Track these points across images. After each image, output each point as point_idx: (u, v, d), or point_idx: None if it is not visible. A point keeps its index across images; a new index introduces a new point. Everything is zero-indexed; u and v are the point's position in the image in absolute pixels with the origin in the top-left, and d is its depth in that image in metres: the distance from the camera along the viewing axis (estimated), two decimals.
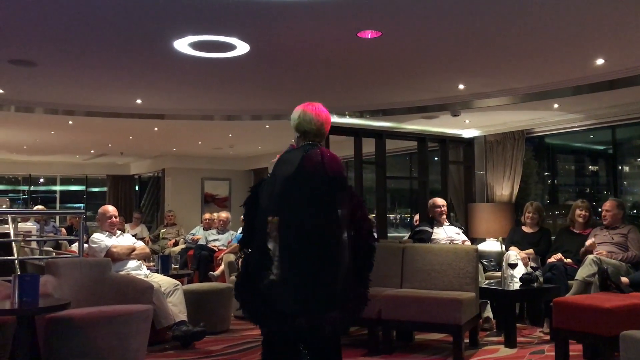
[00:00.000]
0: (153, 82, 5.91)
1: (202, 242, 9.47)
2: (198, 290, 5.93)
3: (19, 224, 8.82)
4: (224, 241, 9.38)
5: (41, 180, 15.88)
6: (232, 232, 9.73)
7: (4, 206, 11.47)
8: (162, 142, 11.22)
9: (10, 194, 15.49)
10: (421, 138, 7.68)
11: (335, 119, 7.09)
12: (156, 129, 9.13)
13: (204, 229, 10.18)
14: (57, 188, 15.50)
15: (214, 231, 9.76)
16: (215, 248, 9.17)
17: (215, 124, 8.37)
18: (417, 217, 7.73)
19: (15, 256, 6.50)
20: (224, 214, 9.96)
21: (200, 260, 8.83)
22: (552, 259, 5.80)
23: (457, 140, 8.38)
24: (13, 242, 6.94)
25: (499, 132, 8.06)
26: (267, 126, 8.88)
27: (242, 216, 3.20)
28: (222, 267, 7.91)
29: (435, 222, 6.40)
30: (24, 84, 5.87)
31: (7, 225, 8.30)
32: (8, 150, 12.39)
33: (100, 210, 5.91)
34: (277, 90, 6.23)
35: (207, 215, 10.53)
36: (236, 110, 7.37)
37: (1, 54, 4.82)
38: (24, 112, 7.16)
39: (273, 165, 3.20)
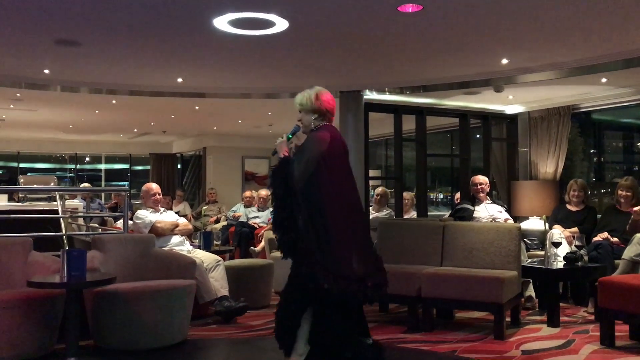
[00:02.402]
0: (193, 60, 5.95)
1: (242, 219, 9.58)
2: (239, 267, 6.02)
3: (67, 201, 9.10)
4: (264, 218, 9.47)
5: (87, 159, 16.31)
6: (271, 209, 9.78)
7: (52, 184, 11.84)
8: (203, 121, 11.35)
9: (57, 172, 15.97)
10: (463, 115, 7.55)
11: (374, 96, 7.04)
12: (197, 107, 9.23)
13: (244, 207, 10.29)
14: (102, 166, 15.91)
15: (254, 208, 9.86)
16: (255, 225, 9.27)
17: (255, 102, 8.40)
18: (458, 195, 7.64)
19: (64, 232, 6.71)
20: (264, 192, 10.03)
21: (241, 237, 8.94)
22: (598, 238, 5.66)
23: (500, 117, 8.20)
24: (61, 219, 7.16)
25: (544, 107, 7.85)
26: None
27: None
28: (262, 243, 8.00)
29: (476, 200, 6.31)
30: (69, 64, 5.99)
31: (55, 203, 8.58)
32: (55, 130, 12.74)
33: (144, 187, 6.04)
34: (316, 67, 6.20)
35: (247, 193, 10.64)
36: (275, 88, 7.37)
37: (48, 35, 4.92)
38: (69, 92, 7.33)
39: (280, 145, 3.41)
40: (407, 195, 7.78)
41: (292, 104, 9.18)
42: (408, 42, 5.25)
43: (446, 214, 8.16)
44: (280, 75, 6.68)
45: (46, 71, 6.24)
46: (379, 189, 7.26)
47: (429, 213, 7.47)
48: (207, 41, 5.18)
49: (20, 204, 9.52)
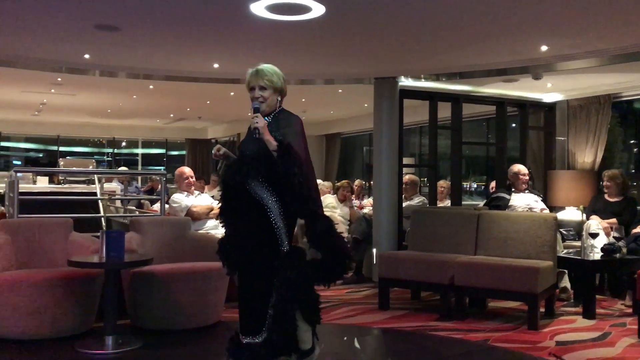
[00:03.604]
0: (229, 46, 5.98)
1: None
2: None
3: (105, 184, 9.30)
4: None
5: (124, 143, 16.62)
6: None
7: (91, 167, 12.11)
8: (238, 107, 11.41)
9: (95, 156, 16.32)
10: (500, 102, 7.43)
11: (410, 82, 6.98)
12: (232, 93, 9.29)
13: None
14: (139, 151, 16.19)
15: None
16: None
17: (289, 88, 8.23)
18: (493, 184, 7.55)
19: (102, 214, 6.87)
20: None
21: None
22: (637, 230, 5.54)
23: (538, 105, 8.05)
24: (99, 201, 7.33)
25: (583, 96, 7.67)
26: (339, 90, 8.85)
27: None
28: (295, 229, 8.05)
29: (513, 189, 6.23)
30: (108, 49, 6.09)
31: (93, 185, 8.77)
32: (93, 114, 13.00)
33: (177, 171, 6.14)
34: (351, 53, 6.16)
35: None
36: (309, 74, 7.37)
37: (88, 20, 5.00)
38: (107, 77, 7.45)
39: (258, 124, 3.07)
40: (443, 183, 7.71)
41: (327, 90, 9.19)
42: (445, 28, 5.17)
43: (480, 203, 8.06)
44: (315, 61, 6.66)
45: (86, 56, 6.35)
46: (406, 177, 7.19)
47: (462, 202, 7.40)
48: (243, 26, 5.20)
49: (60, 186, 9.78)
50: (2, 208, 5.99)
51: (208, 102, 10.50)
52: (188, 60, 6.70)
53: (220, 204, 3.34)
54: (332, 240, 3.12)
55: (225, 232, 3.30)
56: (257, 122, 3.07)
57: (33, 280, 4.11)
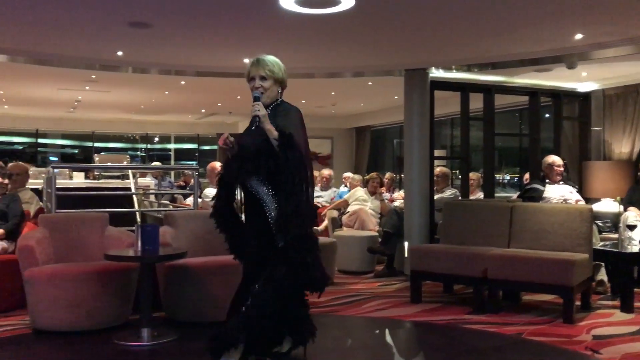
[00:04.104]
0: (259, 41, 6.01)
1: None
2: None
3: (139, 179, 9.46)
4: (327, 198, 9.54)
5: (156, 139, 16.85)
6: (334, 189, 9.87)
7: (125, 162, 12.33)
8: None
9: (129, 152, 16.59)
10: (533, 92, 7.30)
11: (440, 74, 6.90)
12: None
13: None
14: (172, 146, 16.40)
15: (317, 188, 9.93)
16: (318, 204, 9.34)
17: (318, 81, 8.42)
18: (527, 175, 7.44)
19: (137, 208, 6.98)
20: (326, 172, 10.10)
21: None
22: None
23: (572, 95, 7.89)
24: (134, 196, 7.46)
25: (620, 85, 7.49)
26: (369, 83, 8.81)
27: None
28: (325, 222, 8.07)
29: (547, 180, 6.12)
30: (140, 46, 6.18)
31: (128, 180, 8.93)
32: (127, 111, 13.22)
33: (208, 166, 6.21)
34: (381, 45, 6.13)
35: None
36: (339, 67, 7.35)
37: (122, 18, 5.08)
38: (140, 73, 7.56)
39: (260, 112, 3.02)
40: (472, 175, 7.63)
41: (355, 83, 9.14)
42: (476, 17, 5.10)
43: (513, 195, 7.95)
44: (344, 54, 6.65)
45: (119, 53, 6.46)
46: (437, 169, 7.13)
47: (495, 195, 7.30)
48: (273, 21, 5.21)
49: (95, 181, 9.98)
50: (41, 203, 6.14)
51: (239, 97, 10.57)
52: (218, 56, 6.75)
53: (215, 203, 3.28)
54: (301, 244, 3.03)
55: (227, 233, 3.28)
56: (258, 110, 3.02)
57: (71, 273, 4.22)
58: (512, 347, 4.02)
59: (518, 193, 7.04)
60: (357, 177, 9.53)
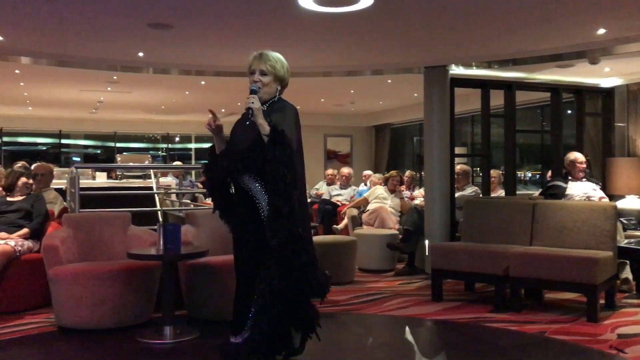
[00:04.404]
0: (278, 40, 6.02)
1: (325, 197, 9.69)
2: (323, 243, 6.11)
3: (160, 179, 9.55)
4: (346, 196, 9.55)
5: (177, 138, 16.98)
6: (354, 187, 9.87)
7: (146, 162, 12.46)
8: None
9: (150, 152, 16.76)
10: (554, 89, 7.22)
11: (460, 71, 6.86)
12: None
13: (327, 184, 10.40)
14: (192, 146, 16.52)
15: (336, 186, 9.95)
16: (338, 202, 9.35)
17: (337, 80, 8.41)
18: (549, 172, 7.36)
19: (159, 207, 7.06)
20: (346, 170, 10.11)
21: (324, 214, 9.06)
22: None
23: (595, 91, 7.78)
24: (156, 195, 7.53)
25: None
26: (389, 81, 8.78)
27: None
28: (345, 221, 8.08)
29: (569, 177, 6.05)
30: (161, 47, 6.23)
31: (150, 180, 9.03)
32: (148, 111, 13.34)
33: None
34: (400, 43, 6.11)
35: (329, 171, 10.74)
36: (358, 66, 7.34)
37: (142, 19, 5.13)
38: (160, 74, 7.63)
39: (254, 104, 2.89)
40: (493, 172, 7.57)
41: (374, 81, 9.12)
42: (496, 13, 5.06)
43: (535, 192, 7.87)
44: (363, 52, 6.63)
45: (140, 54, 6.52)
46: (458, 167, 7.10)
47: (517, 192, 7.24)
48: (291, 20, 5.22)
49: (117, 181, 10.10)
50: (65, 203, 6.23)
51: None
52: (238, 56, 6.77)
53: (215, 203, 3.22)
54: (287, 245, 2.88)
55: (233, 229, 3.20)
56: (252, 102, 2.88)
57: (95, 272, 4.27)
58: (535, 345, 3.98)
59: (540, 190, 6.97)
60: (378, 175, 9.53)
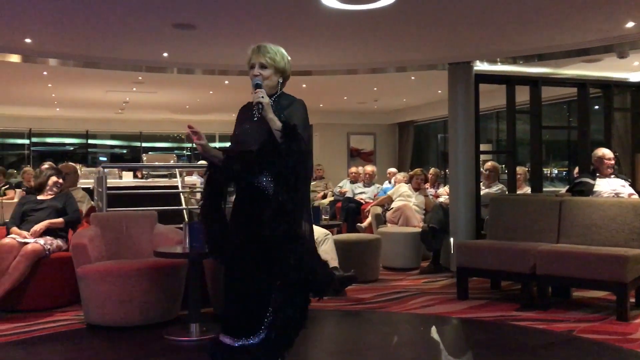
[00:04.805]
0: (301, 38, 6.03)
1: (349, 195, 9.69)
2: (347, 241, 6.11)
3: (185, 178, 9.64)
4: (370, 194, 9.53)
5: None
6: (377, 185, 9.84)
7: (172, 162, 12.58)
8: (309, 99, 11.40)
9: (175, 151, 16.92)
10: (581, 84, 7.10)
11: (485, 67, 6.79)
12: (304, 85, 9.37)
13: (350, 182, 10.39)
14: (216, 145, 16.62)
15: (360, 184, 9.93)
16: (362, 201, 9.34)
17: (360, 78, 8.39)
18: (577, 169, 7.25)
19: (184, 206, 7.12)
20: (369, 168, 10.08)
21: (348, 212, 9.05)
22: None
23: (624, 85, 7.63)
24: (181, 194, 7.61)
25: None
26: (412, 78, 8.74)
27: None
28: (369, 219, 8.06)
29: (597, 174, 5.94)
30: (185, 47, 6.28)
31: (175, 179, 9.12)
32: (173, 111, 13.47)
33: None
34: (424, 39, 6.07)
35: (353, 169, 10.72)
36: (381, 63, 7.31)
37: (167, 19, 5.18)
38: (185, 74, 7.70)
39: (264, 98, 2.75)
40: (519, 169, 7.48)
41: (397, 78, 9.07)
42: (521, 8, 4.99)
43: (562, 189, 7.76)
44: (386, 49, 6.61)
45: (165, 54, 6.59)
46: (489, 164, 7.03)
47: (544, 189, 7.14)
48: (314, 18, 5.22)
49: (143, 180, 10.23)
50: (92, 202, 6.33)
51: None
52: None
53: (203, 201, 3.05)
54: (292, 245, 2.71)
55: (211, 228, 2.99)
56: (262, 97, 2.74)
57: (122, 270, 4.33)
58: (563, 344, 3.93)
59: (567, 187, 6.86)
60: (402, 174, 9.49)
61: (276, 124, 2.72)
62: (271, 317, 2.78)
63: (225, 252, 2.93)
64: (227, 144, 3.42)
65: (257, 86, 2.83)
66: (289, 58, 3.02)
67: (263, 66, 2.92)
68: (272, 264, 2.75)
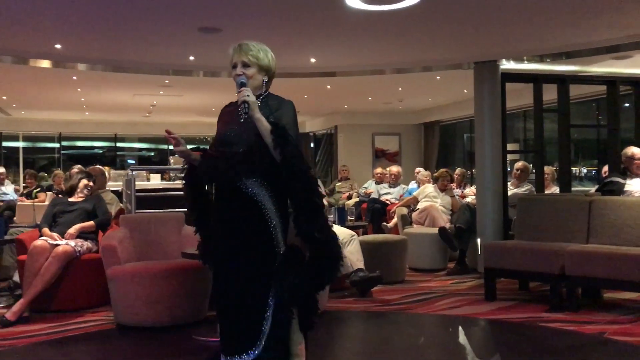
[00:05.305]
0: (326, 40, 6.04)
1: (374, 195, 9.66)
2: (373, 242, 6.10)
3: None
4: (395, 195, 9.49)
5: None
6: (403, 186, 9.80)
7: None
8: (334, 100, 11.52)
9: None
10: (611, 81, 6.97)
11: (512, 65, 6.72)
12: (329, 86, 9.38)
13: (375, 183, 10.36)
14: None
15: (385, 185, 9.90)
16: (387, 201, 9.31)
17: (385, 78, 8.37)
18: (605, 168, 7.12)
19: None
20: (395, 168, 10.04)
21: (373, 213, 9.03)
22: None
23: None
24: None
25: None
26: (437, 77, 8.68)
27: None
28: (395, 219, 8.03)
29: (628, 173, 5.83)
30: (211, 50, 6.35)
31: None
32: (199, 113, 13.60)
33: None
34: (449, 38, 6.03)
35: (378, 170, 10.69)
36: (406, 63, 7.28)
37: (193, 23, 5.25)
38: (210, 77, 7.77)
39: (249, 97, 2.60)
40: (546, 169, 7.39)
41: (422, 78, 9.03)
42: (548, 5, 4.93)
43: (591, 188, 7.63)
44: (411, 49, 6.58)
45: (191, 58, 6.66)
46: (519, 163, 6.96)
47: (572, 188, 7.03)
48: (339, 19, 5.23)
49: (171, 182, 10.34)
50: (121, 205, 6.42)
51: (305, 96, 10.66)
52: (286, 57, 6.84)
53: (190, 207, 2.95)
54: (329, 236, 2.60)
55: (202, 236, 2.94)
56: (247, 95, 2.58)
57: (151, 271, 4.39)
58: (594, 347, 3.86)
59: (596, 187, 6.75)
60: (426, 172, 9.43)
61: (264, 124, 2.58)
62: (267, 330, 2.60)
63: (214, 258, 2.80)
64: None
65: (242, 85, 2.67)
66: (273, 55, 2.87)
67: (246, 65, 2.77)
68: (265, 278, 2.59)
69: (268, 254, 2.63)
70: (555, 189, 7.00)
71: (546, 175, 7.05)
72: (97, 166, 6.98)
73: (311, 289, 2.65)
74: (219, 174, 2.67)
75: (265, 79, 2.81)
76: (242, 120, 2.66)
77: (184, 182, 2.99)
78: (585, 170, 12.33)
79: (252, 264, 2.62)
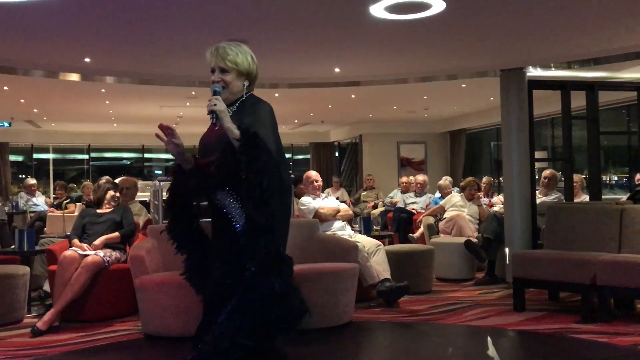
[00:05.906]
0: (350, 49, 6.06)
1: (400, 205, 9.61)
2: (399, 252, 6.05)
3: None
4: (422, 204, 9.42)
5: None
6: (429, 194, 9.73)
7: None
8: (359, 109, 11.52)
9: None
10: None
11: (538, 72, 6.65)
12: (353, 96, 9.39)
13: (401, 192, 10.31)
14: None
15: (411, 194, 9.85)
16: (413, 211, 9.25)
17: (410, 87, 8.35)
18: (638, 176, 6.98)
19: None
20: (420, 177, 9.98)
21: (399, 223, 8.98)
22: None
23: None
24: None
25: None
26: (463, 85, 8.63)
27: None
28: (421, 229, 7.97)
29: None
30: None
31: None
32: None
33: (304, 175, 6.32)
34: (475, 46, 5.98)
35: (404, 179, 10.64)
36: (431, 72, 7.26)
37: (219, 35, 5.28)
38: None
39: (217, 106, 2.54)
40: (575, 177, 7.27)
41: (448, 86, 9.00)
42: (575, 12, 4.87)
43: (622, 196, 7.48)
44: (436, 57, 6.56)
45: None
46: (547, 172, 6.86)
47: (603, 196, 6.90)
48: (363, 29, 5.24)
49: None
50: (149, 215, 6.49)
51: (330, 105, 10.70)
52: (311, 67, 6.88)
53: (169, 225, 2.89)
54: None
55: (187, 255, 2.89)
56: (214, 105, 2.51)
57: (179, 281, 4.36)
58: (628, 359, 3.77)
59: (628, 195, 6.61)
60: (448, 180, 9.34)
61: (234, 132, 2.49)
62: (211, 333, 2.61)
63: (204, 282, 2.77)
64: None
65: (214, 93, 2.61)
66: (254, 56, 2.75)
67: (224, 70, 2.67)
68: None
69: (234, 269, 2.56)
70: (585, 197, 6.88)
71: (575, 184, 6.94)
72: (130, 177, 7.06)
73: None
74: (190, 190, 2.67)
75: (246, 83, 2.71)
76: (217, 128, 2.59)
77: (168, 191, 2.88)
78: (616, 178, 12.10)
79: (221, 279, 2.61)
